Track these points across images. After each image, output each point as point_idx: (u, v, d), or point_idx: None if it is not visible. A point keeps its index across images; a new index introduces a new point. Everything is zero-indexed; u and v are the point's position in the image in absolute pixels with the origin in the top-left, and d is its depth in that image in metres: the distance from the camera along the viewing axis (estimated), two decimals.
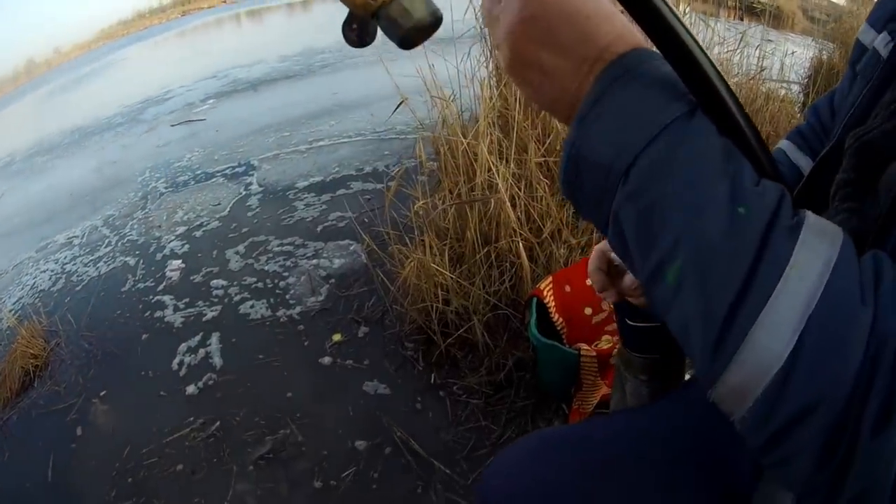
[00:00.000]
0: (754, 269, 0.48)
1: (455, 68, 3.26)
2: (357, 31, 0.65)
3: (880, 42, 0.91)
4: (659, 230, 0.52)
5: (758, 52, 4.16)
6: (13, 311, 3.85)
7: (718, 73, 0.57)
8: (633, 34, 0.58)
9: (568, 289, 2.19)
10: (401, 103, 3.34)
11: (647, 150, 0.53)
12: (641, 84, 0.56)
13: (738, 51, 4.14)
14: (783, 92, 4.38)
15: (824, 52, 5.93)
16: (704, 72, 0.56)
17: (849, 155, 0.77)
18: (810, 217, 0.52)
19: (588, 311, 2.17)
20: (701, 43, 0.56)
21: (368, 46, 0.69)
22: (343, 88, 7.76)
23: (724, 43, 4.11)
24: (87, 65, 24.47)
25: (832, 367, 0.46)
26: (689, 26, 0.55)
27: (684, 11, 3.94)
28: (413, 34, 0.62)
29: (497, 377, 2.45)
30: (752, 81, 4.02)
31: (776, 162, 0.60)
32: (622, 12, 0.58)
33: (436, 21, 0.65)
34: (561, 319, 2.19)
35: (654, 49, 0.58)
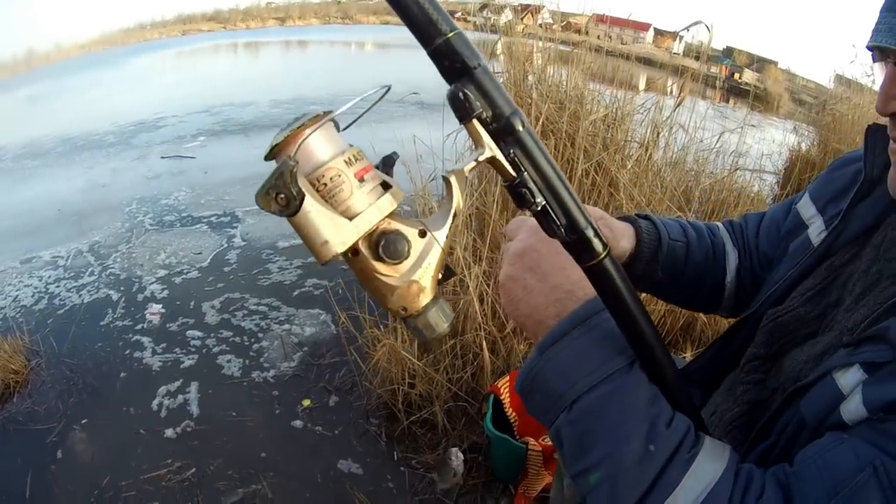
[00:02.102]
0: (650, 489, 0.68)
1: (440, 142, 3.57)
2: (419, 334, 0.75)
3: (814, 231, 1.06)
4: (589, 449, 0.72)
5: (738, 139, 4.42)
6: None
7: (657, 335, 0.75)
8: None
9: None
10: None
11: (589, 392, 0.73)
12: (593, 336, 0.76)
13: (716, 148, 4.42)
14: (756, 187, 4.60)
15: (803, 144, 6.23)
16: (646, 341, 0.74)
17: (763, 332, 0.96)
18: (706, 445, 0.71)
19: None
20: (644, 309, 0.74)
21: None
22: None
23: (703, 140, 4.42)
24: (85, 68, 24.26)
25: None
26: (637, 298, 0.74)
27: (680, 96, 4.24)
28: (433, 342, 0.82)
29: None
30: (726, 178, 4.27)
31: (682, 379, 0.79)
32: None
33: (451, 329, 0.85)
34: (514, 414, 2.50)
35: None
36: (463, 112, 0.63)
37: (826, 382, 0.75)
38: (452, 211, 0.71)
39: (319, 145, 0.68)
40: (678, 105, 4.20)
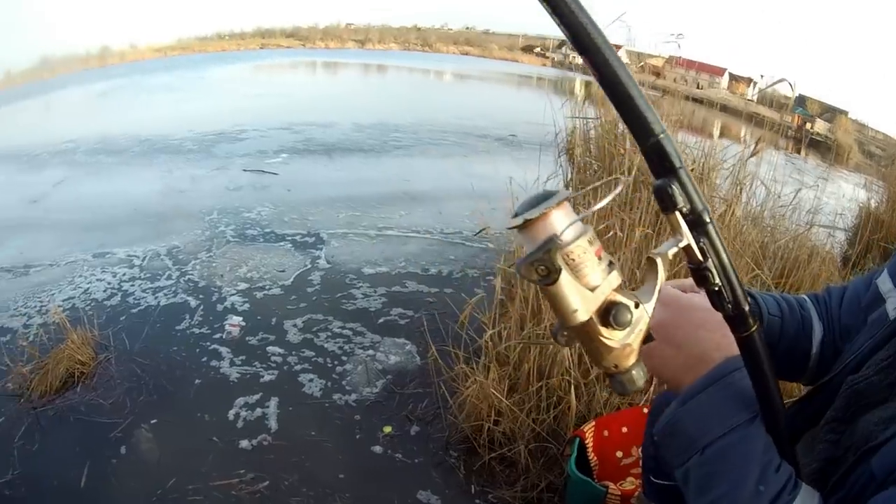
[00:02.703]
0: None
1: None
2: (566, 340, 0.89)
3: (891, 305, 1.16)
4: (713, 487, 0.92)
5: (814, 195, 4.54)
6: (62, 309, 4.05)
7: (779, 394, 0.94)
8: (728, 345, 0.95)
9: (606, 433, 2.58)
10: (482, 230, 3.70)
11: (720, 439, 0.92)
12: (726, 393, 0.96)
13: (792, 204, 4.52)
14: (828, 245, 4.72)
15: (872, 201, 6.26)
16: (771, 398, 0.92)
17: (841, 397, 1.08)
18: (803, 490, 0.89)
19: (619, 454, 2.57)
20: (775, 373, 0.93)
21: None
22: (415, 177, 8.29)
23: (781, 196, 4.53)
24: (160, 71, 25.16)
25: None
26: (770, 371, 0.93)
27: (756, 148, 4.37)
28: (633, 393, 1.00)
29: (530, 495, 2.78)
30: (800, 237, 4.37)
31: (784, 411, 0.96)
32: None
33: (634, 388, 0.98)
34: (595, 458, 2.58)
35: (739, 357, 0.93)
36: (668, 204, 0.80)
37: (894, 442, 0.87)
38: (658, 287, 0.89)
39: (573, 227, 0.80)
40: (752, 155, 4.38)
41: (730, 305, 0.86)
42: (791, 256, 4.13)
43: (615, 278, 0.84)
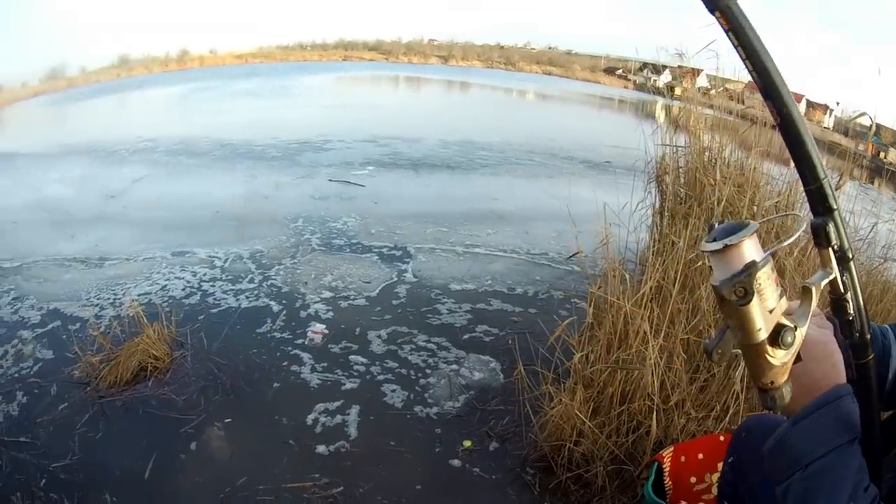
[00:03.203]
0: None
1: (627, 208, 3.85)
2: (719, 357, 1.03)
3: None
4: (810, 501, 1.03)
5: (886, 228, 4.48)
6: (139, 304, 4.21)
7: (879, 418, 1.12)
8: (837, 374, 1.07)
9: (683, 459, 2.62)
10: (574, 254, 3.73)
11: (821, 458, 1.03)
12: (834, 415, 1.05)
13: (868, 238, 4.39)
14: None
15: None
16: (872, 422, 1.08)
17: None
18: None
19: (693, 479, 2.59)
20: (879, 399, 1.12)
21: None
22: (502, 196, 8.36)
23: (858, 230, 4.38)
24: (243, 77, 25.88)
25: None
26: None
27: (840, 181, 4.29)
28: (779, 411, 1.07)
29: None
30: (874, 271, 4.29)
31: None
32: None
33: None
34: (670, 482, 2.63)
35: (847, 385, 1.07)
36: (823, 240, 0.99)
37: None
38: (811, 313, 1.01)
39: (764, 256, 0.96)
40: (837, 189, 4.17)
41: (857, 334, 1.06)
42: (864, 291, 3.99)
43: (786, 304, 0.99)
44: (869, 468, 1.05)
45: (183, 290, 4.75)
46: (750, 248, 0.95)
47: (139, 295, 4.58)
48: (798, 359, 1.04)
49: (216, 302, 4.57)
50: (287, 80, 26.20)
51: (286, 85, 24.46)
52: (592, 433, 2.99)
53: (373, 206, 7.32)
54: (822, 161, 0.94)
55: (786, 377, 1.03)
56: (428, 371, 3.84)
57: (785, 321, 0.98)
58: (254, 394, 3.54)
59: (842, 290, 1.02)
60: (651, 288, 3.36)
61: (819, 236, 0.99)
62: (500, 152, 11.53)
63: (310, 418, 3.35)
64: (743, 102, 5.14)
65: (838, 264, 1.00)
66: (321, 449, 3.13)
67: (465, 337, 4.27)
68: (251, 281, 4.95)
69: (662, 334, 3.15)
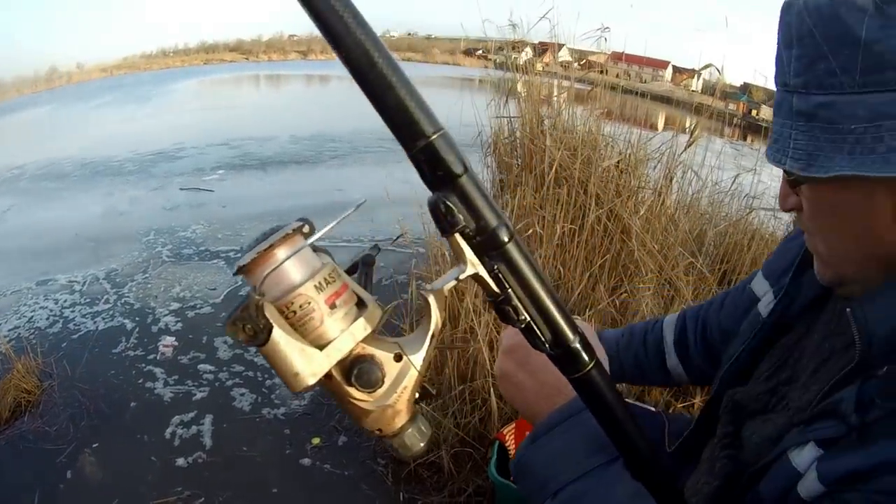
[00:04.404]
0: None
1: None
2: (395, 452, 0.78)
3: (763, 303, 1.09)
4: None
5: (753, 179, 4.41)
6: (7, 339, 4.05)
7: (642, 435, 0.79)
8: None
9: (526, 434, 2.62)
10: (399, 236, 3.74)
11: (571, 484, 0.81)
12: (580, 431, 0.83)
13: (731, 190, 4.47)
14: (771, 227, 4.54)
15: None
16: (631, 441, 0.78)
17: (725, 411, 1.03)
18: None
19: None
20: (628, 413, 0.76)
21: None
22: (348, 185, 8.28)
23: (719, 182, 4.52)
24: (107, 91, 24.72)
25: None
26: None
27: (695, 132, 4.31)
28: (409, 459, 0.94)
29: (458, 499, 2.80)
30: (741, 221, 4.29)
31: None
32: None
33: (428, 448, 0.85)
34: None
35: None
36: (444, 225, 0.61)
37: (782, 462, 0.79)
38: (431, 332, 0.71)
39: (289, 270, 0.67)
40: (689, 145, 4.28)
41: (546, 345, 0.67)
42: (730, 242, 4.10)
43: (360, 329, 0.69)
44: (659, 493, 0.81)
45: (46, 319, 4.53)
46: (288, 270, 0.67)
47: (9, 331, 4.35)
48: (425, 393, 0.76)
49: (76, 327, 4.39)
50: (149, 89, 25.11)
51: (147, 95, 23.42)
52: (433, 417, 2.94)
53: (221, 211, 7.14)
54: (430, 110, 0.59)
55: (401, 422, 0.74)
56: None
57: (371, 350, 0.70)
58: (115, 415, 3.44)
59: (495, 289, 0.65)
60: None
61: (440, 221, 0.61)
62: (349, 142, 11.36)
63: (167, 432, 3.29)
64: (606, 73, 5.08)
65: (485, 253, 0.63)
66: (181, 462, 3.08)
67: None
68: (107, 301, 4.77)
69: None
